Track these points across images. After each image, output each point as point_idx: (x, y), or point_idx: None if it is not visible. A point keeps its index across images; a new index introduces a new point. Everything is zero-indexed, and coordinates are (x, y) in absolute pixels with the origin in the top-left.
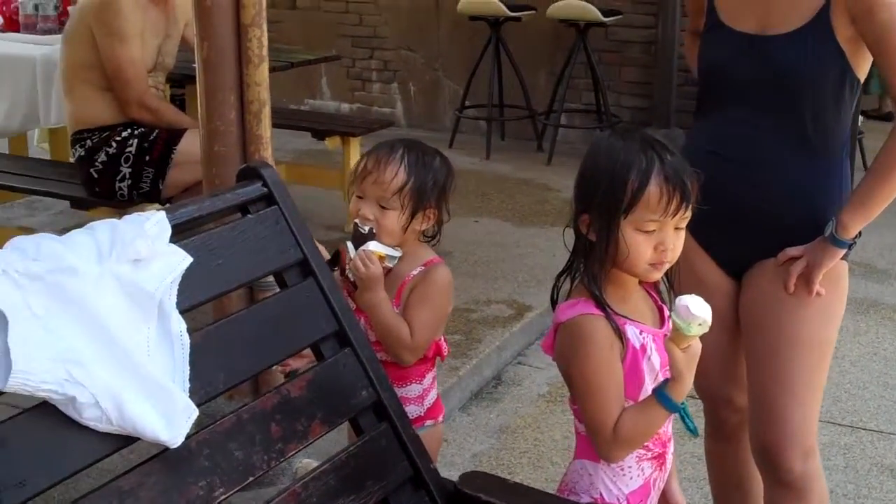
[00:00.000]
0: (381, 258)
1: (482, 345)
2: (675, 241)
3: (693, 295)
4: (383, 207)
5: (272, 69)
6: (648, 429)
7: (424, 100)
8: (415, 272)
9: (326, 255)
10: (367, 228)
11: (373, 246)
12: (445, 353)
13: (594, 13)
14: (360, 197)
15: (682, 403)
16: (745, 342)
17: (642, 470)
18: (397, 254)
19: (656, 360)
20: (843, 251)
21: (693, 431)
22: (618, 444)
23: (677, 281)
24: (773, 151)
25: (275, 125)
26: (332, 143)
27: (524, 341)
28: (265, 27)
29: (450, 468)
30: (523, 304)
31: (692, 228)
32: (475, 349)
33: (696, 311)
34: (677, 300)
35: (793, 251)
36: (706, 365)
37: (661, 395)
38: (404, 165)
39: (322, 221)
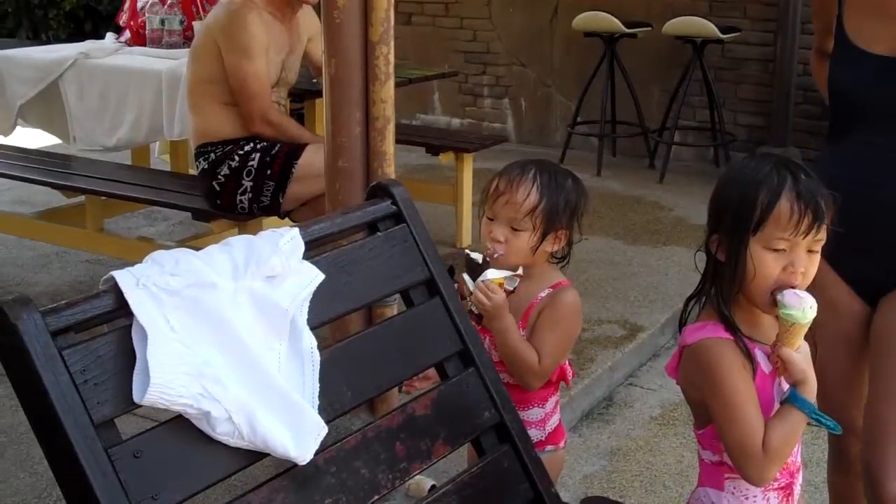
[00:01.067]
0: (501, 284)
1: (594, 365)
2: (808, 264)
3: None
4: (515, 229)
5: (396, 85)
6: (793, 438)
7: (535, 115)
8: (543, 294)
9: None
10: (480, 257)
11: (491, 274)
12: (570, 378)
13: (712, 30)
14: (490, 219)
15: (813, 404)
16: (871, 364)
17: (767, 500)
18: (516, 280)
19: (785, 384)
20: None
21: (834, 428)
22: (769, 460)
23: None
24: None
25: None
26: (445, 158)
27: (636, 362)
28: (392, 44)
29: (560, 489)
30: (635, 323)
31: (843, 273)
32: (586, 369)
33: (804, 294)
34: (779, 296)
35: None
36: (830, 389)
37: (795, 397)
38: (537, 186)
39: (433, 237)
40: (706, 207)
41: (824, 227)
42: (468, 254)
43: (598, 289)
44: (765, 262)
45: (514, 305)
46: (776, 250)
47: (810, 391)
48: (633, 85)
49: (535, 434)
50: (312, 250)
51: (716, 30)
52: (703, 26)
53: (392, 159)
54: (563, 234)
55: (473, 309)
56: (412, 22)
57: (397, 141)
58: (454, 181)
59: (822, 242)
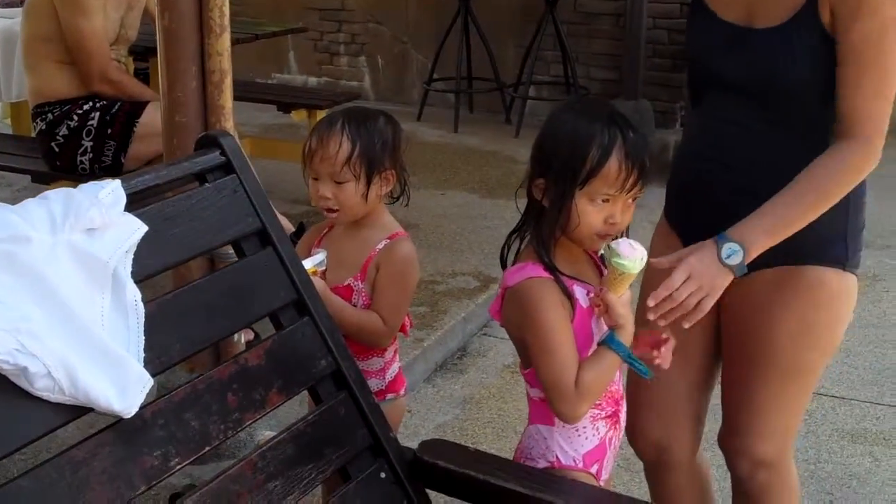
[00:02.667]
0: (315, 273)
1: (447, 316)
2: (625, 214)
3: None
4: (338, 182)
5: (237, 41)
6: (606, 378)
7: (392, 73)
8: (380, 246)
9: (291, 228)
10: (317, 267)
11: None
12: (409, 328)
13: None
14: (315, 178)
15: (629, 348)
16: (724, 349)
17: (597, 429)
18: (322, 255)
19: (605, 326)
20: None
21: (645, 373)
22: (581, 398)
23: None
24: (762, 152)
25: (240, 98)
26: (298, 116)
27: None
28: None
29: (413, 438)
30: (489, 275)
31: (680, 231)
32: (440, 321)
33: (637, 245)
34: (613, 244)
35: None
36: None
37: (614, 341)
38: (346, 135)
39: (287, 195)
40: None
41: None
42: None
43: (453, 242)
44: (588, 213)
45: (352, 257)
46: (599, 203)
47: (627, 335)
48: (487, 41)
49: (375, 383)
50: (138, 203)
51: None
52: None
53: (230, 114)
54: (389, 175)
55: None
56: None
57: (249, 99)
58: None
59: (641, 195)
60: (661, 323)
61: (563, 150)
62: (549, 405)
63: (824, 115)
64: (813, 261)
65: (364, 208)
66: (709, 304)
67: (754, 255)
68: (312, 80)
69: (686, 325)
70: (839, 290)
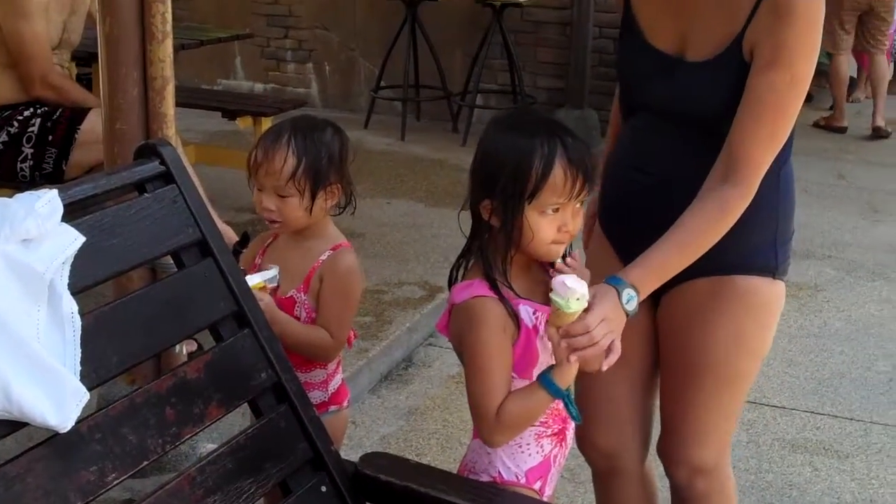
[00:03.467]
0: (263, 287)
1: (393, 326)
2: (575, 219)
3: (570, 274)
4: (282, 196)
5: (182, 47)
6: (531, 414)
7: (340, 80)
8: (323, 257)
9: (235, 237)
10: (270, 286)
11: (251, 282)
12: (353, 339)
13: None
14: (259, 189)
15: (567, 389)
16: (661, 358)
17: (541, 447)
18: (274, 272)
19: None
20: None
21: (576, 418)
22: (499, 429)
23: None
24: (685, 169)
25: (185, 105)
26: (243, 123)
27: (435, 322)
28: (169, 2)
29: (357, 450)
30: (435, 285)
31: (616, 245)
32: (385, 331)
33: (573, 285)
34: (554, 279)
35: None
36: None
37: (546, 379)
38: (292, 149)
39: (232, 203)
40: None
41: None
42: None
43: (399, 252)
44: (541, 225)
45: (295, 268)
46: (550, 214)
47: (564, 375)
48: (435, 49)
49: (317, 395)
50: (76, 213)
51: None
52: None
53: (172, 121)
54: (335, 188)
55: None
56: None
57: (194, 105)
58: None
59: (588, 199)
60: (573, 358)
61: (506, 168)
62: (474, 424)
63: None
64: (744, 270)
65: (307, 221)
66: (618, 345)
67: (643, 297)
68: (259, 87)
69: (605, 368)
70: (769, 297)
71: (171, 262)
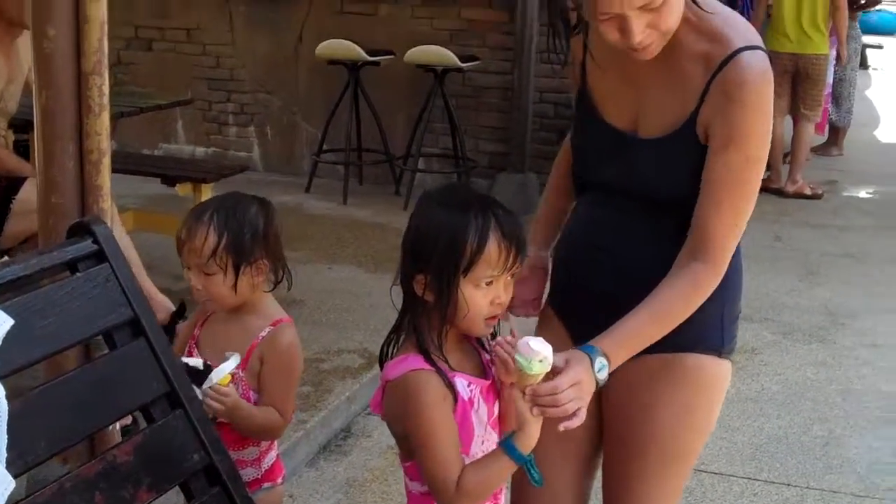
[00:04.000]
0: (228, 380)
1: (332, 396)
2: (507, 291)
3: (533, 336)
4: (206, 274)
5: (121, 115)
6: (494, 481)
7: (282, 144)
8: (263, 333)
9: (172, 307)
10: (200, 362)
11: (216, 377)
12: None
13: (451, 59)
14: (186, 267)
15: (529, 455)
16: (605, 436)
17: None
18: (236, 361)
19: (483, 411)
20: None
21: (538, 482)
22: (460, 499)
23: None
24: (641, 246)
25: (125, 171)
26: (183, 189)
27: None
28: (106, 75)
29: None
30: (374, 353)
31: (568, 324)
32: (324, 400)
33: (537, 347)
34: (519, 341)
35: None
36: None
37: (509, 446)
38: (213, 227)
39: (170, 271)
40: None
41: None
42: (186, 363)
43: (339, 319)
44: (475, 298)
45: (234, 345)
46: (483, 287)
47: (527, 440)
48: (377, 112)
49: (251, 472)
50: (5, 294)
51: (455, 59)
52: (443, 55)
53: (108, 194)
54: (261, 264)
55: (210, 413)
56: (153, 48)
57: (134, 172)
58: None
59: (520, 269)
60: (535, 413)
61: (440, 243)
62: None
63: None
64: (692, 349)
65: (235, 299)
66: (583, 413)
67: (613, 368)
68: (200, 150)
69: (561, 429)
70: (716, 376)
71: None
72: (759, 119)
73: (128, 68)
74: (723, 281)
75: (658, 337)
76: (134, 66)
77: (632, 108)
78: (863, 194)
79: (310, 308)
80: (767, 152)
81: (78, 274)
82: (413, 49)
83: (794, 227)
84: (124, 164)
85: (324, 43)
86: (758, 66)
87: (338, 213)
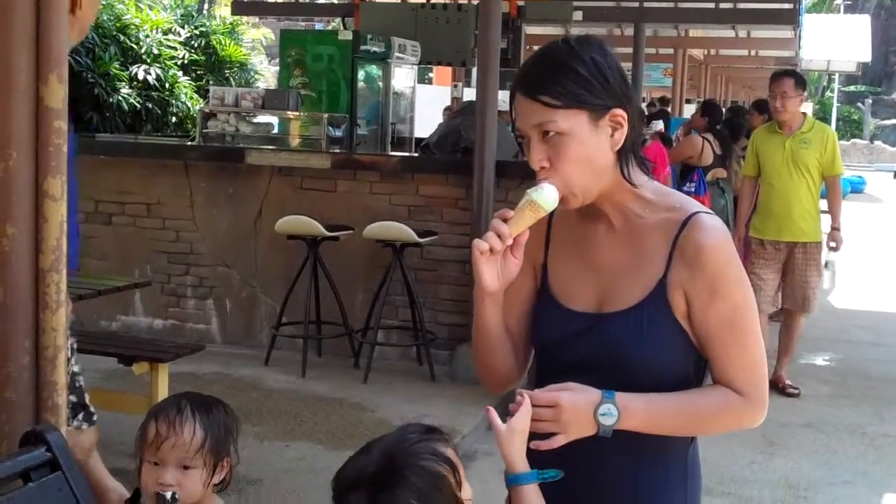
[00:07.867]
0: None
1: None
2: None
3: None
4: (186, 468)
5: (80, 297)
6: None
7: (240, 316)
8: None
9: (126, 493)
10: (169, 495)
11: None
12: None
13: (410, 234)
14: (156, 463)
15: (533, 471)
16: None
17: None
18: None
19: None
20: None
21: (555, 476)
22: None
23: None
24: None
25: (81, 350)
26: (139, 368)
27: None
28: (64, 273)
29: None
30: None
31: None
32: None
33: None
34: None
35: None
36: None
37: (516, 478)
38: (199, 421)
39: (127, 449)
40: (409, 407)
41: None
42: (160, 494)
43: (296, 500)
44: None
45: None
46: None
47: (512, 462)
48: (336, 286)
49: None
50: None
51: (413, 234)
52: (401, 231)
53: (63, 389)
54: (227, 462)
55: None
56: (113, 222)
57: (90, 351)
58: (149, 392)
59: None
60: (512, 406)
61: None
62: None
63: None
64: None
65: (199, 497)
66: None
67: (623, 427)
68: (158, 323)
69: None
70: None
71: None
72: (729, 270)
73: (88, 241)
74: (683, 480)
75: (676, 428)
76: (94, 239)
77: (596, 289)
78: (820, 361)
79: (267, 488)
80: (752, 295)
81: (31, 484)
82: (372, 225)
83: None
84: (80, 342)
85: (283, 219)
86: (716, 222)
87: (296, 387)
